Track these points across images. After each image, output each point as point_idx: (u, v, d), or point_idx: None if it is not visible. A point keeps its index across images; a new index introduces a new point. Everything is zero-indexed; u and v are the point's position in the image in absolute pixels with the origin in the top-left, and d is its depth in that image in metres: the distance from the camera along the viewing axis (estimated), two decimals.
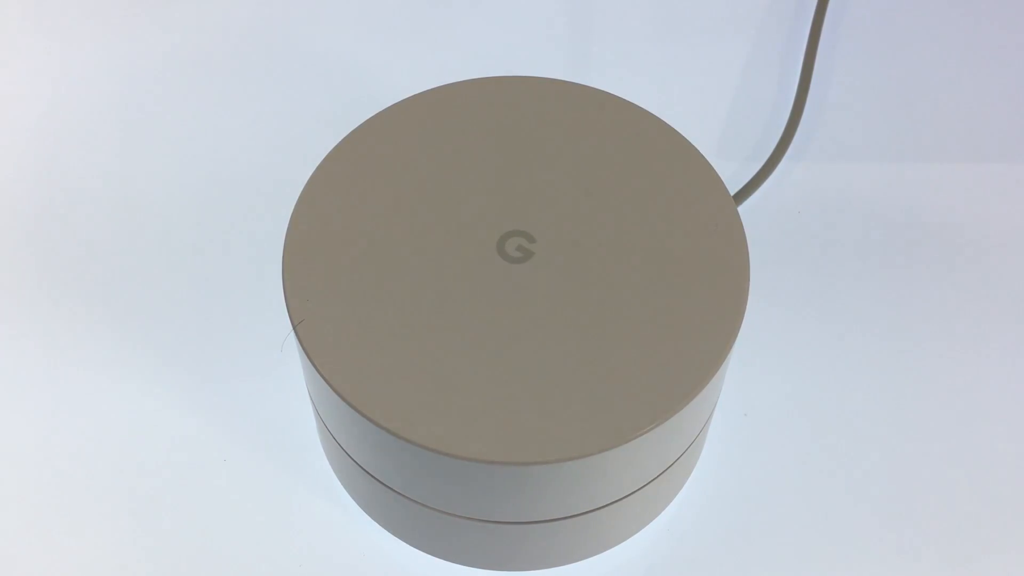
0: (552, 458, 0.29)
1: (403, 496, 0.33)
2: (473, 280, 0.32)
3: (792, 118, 0.46)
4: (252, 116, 0.47)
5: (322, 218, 0.34)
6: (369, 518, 0.36)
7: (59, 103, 0.48)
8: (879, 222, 0.44)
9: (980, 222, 0.44)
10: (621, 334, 0.31)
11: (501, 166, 0.35)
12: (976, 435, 0.38)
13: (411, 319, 0.32)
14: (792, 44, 0.50)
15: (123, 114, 0.47)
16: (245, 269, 0.42)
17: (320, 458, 0.37)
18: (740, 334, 0.32)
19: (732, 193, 0.42)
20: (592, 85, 0.38)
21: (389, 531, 0.36)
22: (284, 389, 0.39)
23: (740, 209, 0.42)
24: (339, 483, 0.37)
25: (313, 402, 0.35)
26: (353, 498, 0.37)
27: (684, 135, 0.36)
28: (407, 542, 0.36)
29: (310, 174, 0.35)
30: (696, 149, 0.36)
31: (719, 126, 0.47)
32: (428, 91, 0.37)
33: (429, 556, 0.36)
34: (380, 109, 0.37)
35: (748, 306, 0.32)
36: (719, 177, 0.35)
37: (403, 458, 0.31)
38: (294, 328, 0.31)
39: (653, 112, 0.37)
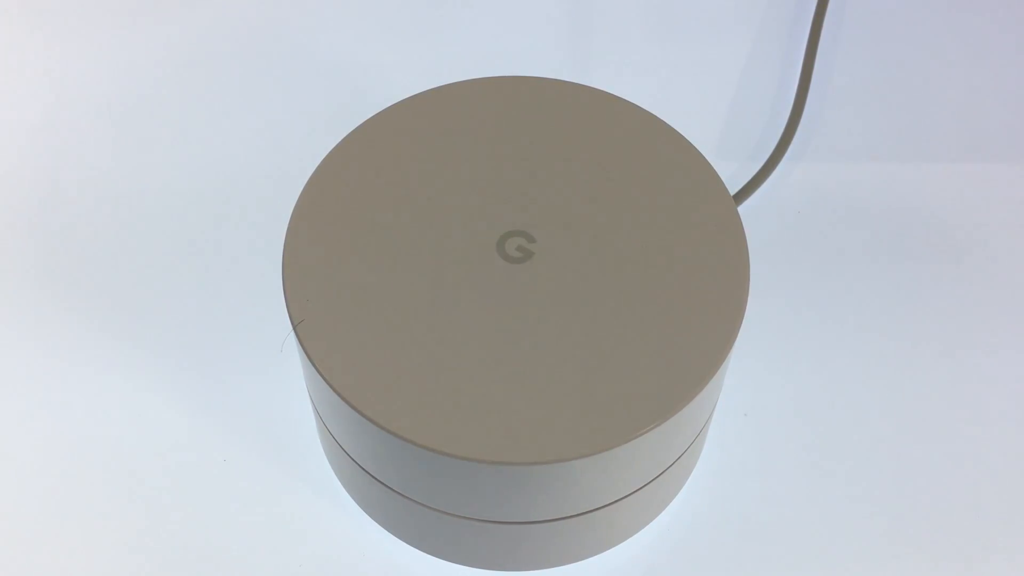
0: (552, 458, 0.29)
1: (403, 496, 0.33)
2: (473, 280, 0.32)
3: (792, 118, 0.46)
4: (252, 116, 0.47)
5: (322, 218, 0.34)
6: (369, 518, 0.36)
7: (59, 103, 0.47)
8: (879, 222, 0.44)
9: (980, 222, 0.44)
10: (621, 334, 0.31)
11: (501, 166, 0.35)
12: (976, 435, 0.38)
13: (411, 319, 0.32)
14: (792, 44, 0.50)
15: (123, 114, 0.47)
16: (245, 269, 0.42)
17: (320, 458, 0.37)
18: (740, 334, 0.32)
19: (732, 193, 0.42)
20: (592, 85, 0.38)
21: (389, 531, 0.36)
22: (284, 389, 0.39)
23: (740, 209, 0.42)
24: (339, 483, 0.37)
25: (313, 402, 0.35)
26: (353, 498, 0.36)
27: (684, 135, 0.36)
28: (407, 542, 0.36)
29: (310, 174, 0.35)
30: (696, 149, 0.36)
31: (719, 126, 0.47)
32: (428, 91, 0.37)
33: (429, 556, 0.36)
34: (380, 109, 0.37)
35: (748, 306, 0.32)
36: (719, 177, 0.35)
37: (403, 458, 0.31)
38: (294, 328, 0.31)
39: (653, 112, 0.37)
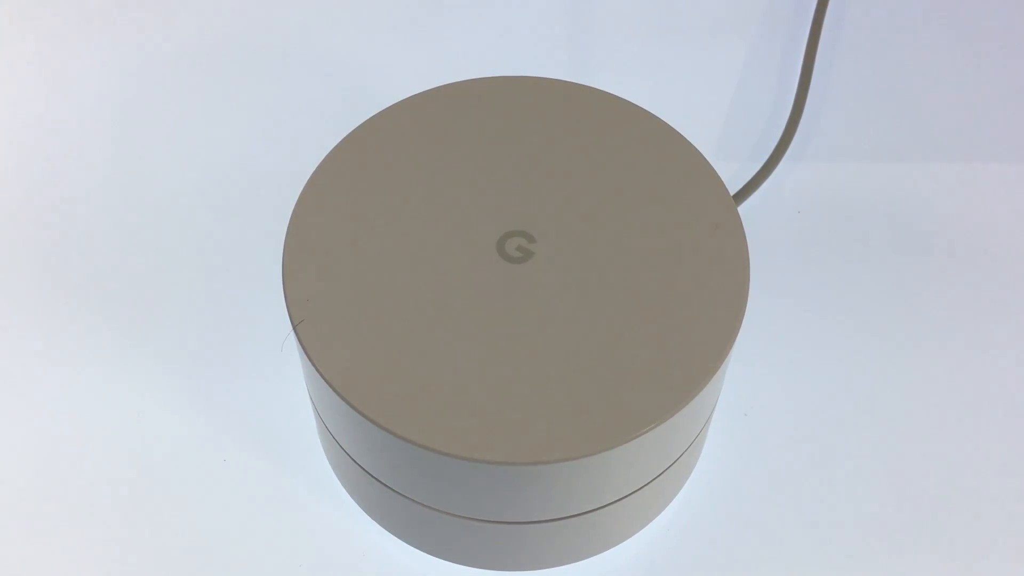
0: (552, 458, 0.29)
1: (403, 496, 0.33)
2: (473, 280, 0.32)
3: (792, 118, 0.46)
4: (252, 116, 0.47)
5: (322, 218, 0.34)
6: (369, 518, 0.36)
7: (59, 103, 0.48)
8: (879, 222, 0.44)
9: (980, 222, 0.44)
10: (621, 334, 0.31)
11: (501, 166, 0.35)
12: (976, 434, 0.38)
13: (411, 319, 0.32)
14: (792, 44, 0.50)
15: (123, 114, 0.47)
16: (245, 269, 0.42)
17: (320, 458, 0.37)
18: (740, 334, 0.32)
19: (732, 193, 0.42)
20: (592, 85, 0.38)
21: (389, 531, 0.36)
22: (284, 389, 0.39)
23: (740, 209, 0.42)
24: (339, 483, 0.37)
25: (313, 402, 0.35)
26: (353, 498, 0.36)
27: (684, 135, 0.36)
28: (407, 542, 0.36)
29: (310, 174, 0.35)
30: (696, 149, 0.36)
31: (719, 126, 0.47)
32: (428, 91, 0.37)
33: (429, 556, 0.36)
34: (380, 109, 0.37)
35: (748, 306, 0.32)
36: (719, 177, 0.35)
37: (403, 458, 0.31)
38: (294, 328, 0.31)
39: (653, 112, 0.37)
